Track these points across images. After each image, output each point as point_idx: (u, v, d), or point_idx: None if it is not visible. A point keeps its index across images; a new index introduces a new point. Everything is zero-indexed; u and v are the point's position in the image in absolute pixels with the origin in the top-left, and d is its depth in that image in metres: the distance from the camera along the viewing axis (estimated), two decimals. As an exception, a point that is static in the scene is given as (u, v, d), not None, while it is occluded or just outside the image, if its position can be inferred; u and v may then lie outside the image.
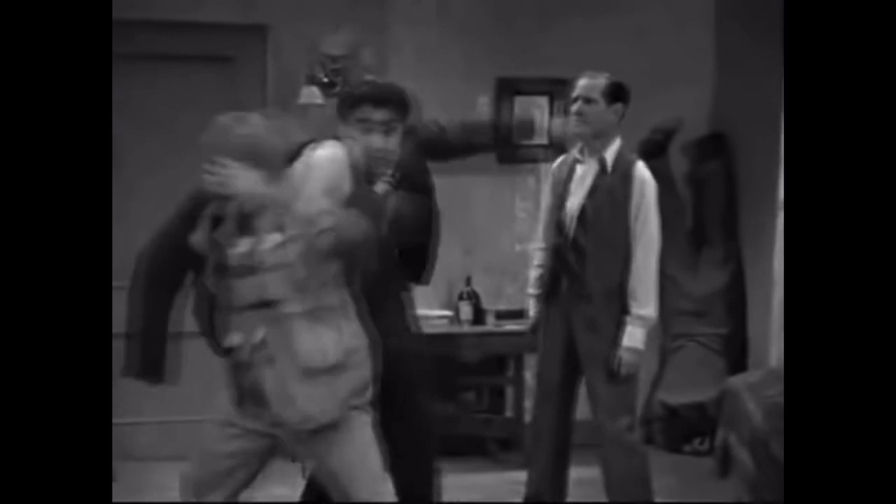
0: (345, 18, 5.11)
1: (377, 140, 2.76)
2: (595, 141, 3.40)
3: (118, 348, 4.93)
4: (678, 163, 5.56)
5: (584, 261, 3.39)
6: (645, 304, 3.38)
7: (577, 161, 3.51)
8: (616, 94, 3.41)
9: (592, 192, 3.40)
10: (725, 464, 4.30)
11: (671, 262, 5.51)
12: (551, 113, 5.32)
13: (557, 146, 3.40)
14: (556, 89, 5.25)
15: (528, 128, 3.42)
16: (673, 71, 5.46)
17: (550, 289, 3.55)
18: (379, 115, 2.76)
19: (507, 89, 5.28)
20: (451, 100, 5.25)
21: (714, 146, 5.57)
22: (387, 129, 2.78)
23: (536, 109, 5.32)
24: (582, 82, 3.42)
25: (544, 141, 5.33)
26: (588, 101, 3.37)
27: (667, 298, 5.49)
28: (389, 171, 2.88)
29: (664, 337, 5.53)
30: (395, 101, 2.81)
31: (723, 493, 4.24)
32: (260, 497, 4.05)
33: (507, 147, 4.85)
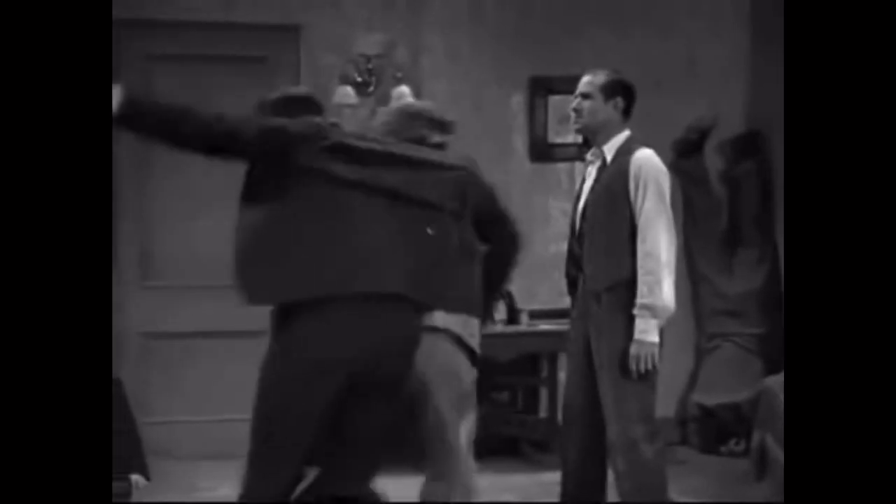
0: (377, 19, 5.15)
1: None
2: (597, 137, 3.40)
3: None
4: (713, 162, 5.53)
5: (588, 256, 3.37)
6: (648, 292, 3.22)
7: (589, 163, 3.51)
8: (614, 89, 3.38)
9: (594, 186, 3.39)
10: (762, 465, 4.26)
11: (705, 262, 5.49)
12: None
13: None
14: (590, 89, 5.33)
15: None
16: (708, 69, 5.45)
17: (570, 290, 3.53)
18: None
19: (541, 88, 5.29)
20: (484, 100, 5.29)
21: (750, 145, 5.53)
22: None
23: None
24: (583, 80, 3.42)
25: (579, 139, 5.34)
26: (585, 96, 3.37)
27: (702, 298, 5.49)
28: None
29: (699, 337, 5.51)
30: None
31: (758, 495, 4.21)
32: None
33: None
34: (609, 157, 3.37)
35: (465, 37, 5.27)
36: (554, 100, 5.28)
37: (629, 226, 3.27)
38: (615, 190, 3.30)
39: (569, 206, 5.29)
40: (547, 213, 5.33)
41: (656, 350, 3.25)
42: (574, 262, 3.48)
